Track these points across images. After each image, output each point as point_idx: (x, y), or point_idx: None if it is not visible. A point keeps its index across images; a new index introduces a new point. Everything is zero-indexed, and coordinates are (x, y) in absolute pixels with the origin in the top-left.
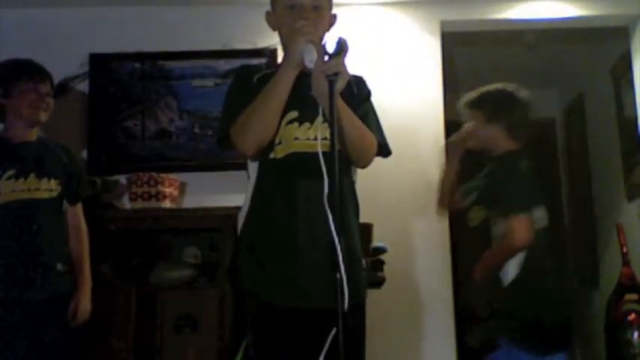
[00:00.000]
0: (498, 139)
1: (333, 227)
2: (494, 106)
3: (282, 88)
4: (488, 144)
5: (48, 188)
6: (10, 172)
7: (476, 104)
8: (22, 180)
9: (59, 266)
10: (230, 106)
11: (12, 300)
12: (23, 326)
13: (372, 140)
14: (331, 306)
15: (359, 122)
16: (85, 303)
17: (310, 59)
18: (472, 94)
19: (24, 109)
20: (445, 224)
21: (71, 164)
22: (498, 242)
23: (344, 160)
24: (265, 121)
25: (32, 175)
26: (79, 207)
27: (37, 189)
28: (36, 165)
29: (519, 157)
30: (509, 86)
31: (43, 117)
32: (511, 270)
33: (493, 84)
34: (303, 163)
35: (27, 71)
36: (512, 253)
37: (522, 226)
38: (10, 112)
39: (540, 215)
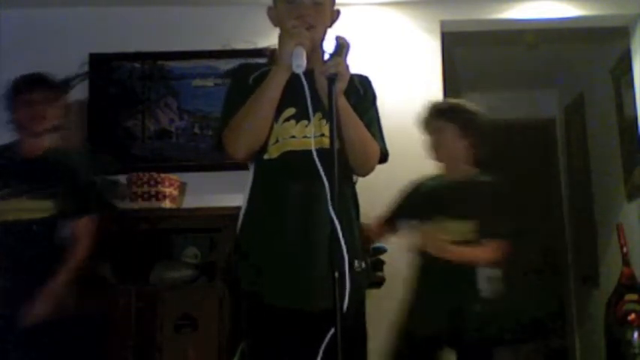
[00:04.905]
0: (461, 159)
1: (337, 226)
2: (465, 121)
3: (272, 92)
4: (452, 161)
5: (40, 208)
6: (5, 192)
7: (448, 115)
8: (13, 200)
9: None
10: (225, 110)
11: None
12: None
13: (375, 149)
14: (327, 307)
15: (364, 129)
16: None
17: (298, 64)
18: (440, 104)
19: (21, 122)
20: None
21: (78, 176)
22: (473, 249)
23: (344, 161)
24: (255, 126)
25: (25, 197)
26: (86, 220)
27: (30, 209)
28: (31, 185)
29: (501, 186)
30: (474, 106)
31: (38, 126)
32: (484, 284)
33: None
34: (299, 161)
35: (20, 83)
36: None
37: (496, 250)
38: (16, 128)
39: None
